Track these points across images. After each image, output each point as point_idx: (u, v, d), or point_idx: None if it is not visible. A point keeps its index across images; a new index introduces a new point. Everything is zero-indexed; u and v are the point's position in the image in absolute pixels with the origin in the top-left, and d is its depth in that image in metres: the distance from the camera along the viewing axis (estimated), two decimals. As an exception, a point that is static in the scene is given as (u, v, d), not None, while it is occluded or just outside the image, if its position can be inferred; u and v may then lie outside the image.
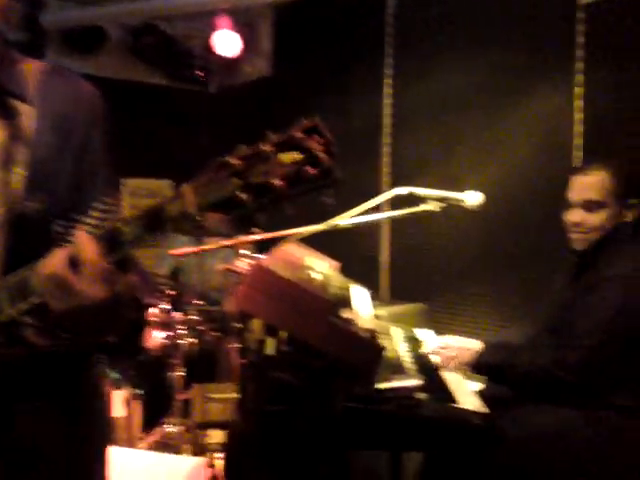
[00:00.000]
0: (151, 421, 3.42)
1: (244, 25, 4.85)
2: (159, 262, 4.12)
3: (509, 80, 3.38)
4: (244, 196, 0.89)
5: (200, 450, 3.08)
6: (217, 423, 3.09)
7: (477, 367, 2.06)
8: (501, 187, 3.39)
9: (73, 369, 1.17)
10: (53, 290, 0.95)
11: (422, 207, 1.83)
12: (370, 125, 4.14)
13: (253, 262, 1.55)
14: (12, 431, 1.09)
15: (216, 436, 3.12)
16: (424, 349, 2.31)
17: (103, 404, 1.32)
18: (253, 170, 0.89)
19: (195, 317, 3.16)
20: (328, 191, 0.90)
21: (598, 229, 2.02)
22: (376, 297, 3.92)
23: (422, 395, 1.67)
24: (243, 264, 1.65)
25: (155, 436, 3.32)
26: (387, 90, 4.07)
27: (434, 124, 3.77)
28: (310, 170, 0.87)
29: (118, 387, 3.18)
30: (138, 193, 4.80)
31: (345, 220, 1.78)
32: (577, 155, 3.07)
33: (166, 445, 3.27)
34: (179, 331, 3.13)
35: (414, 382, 1.64)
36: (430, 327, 2.89)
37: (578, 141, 3.07)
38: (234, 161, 0.90)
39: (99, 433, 1.25)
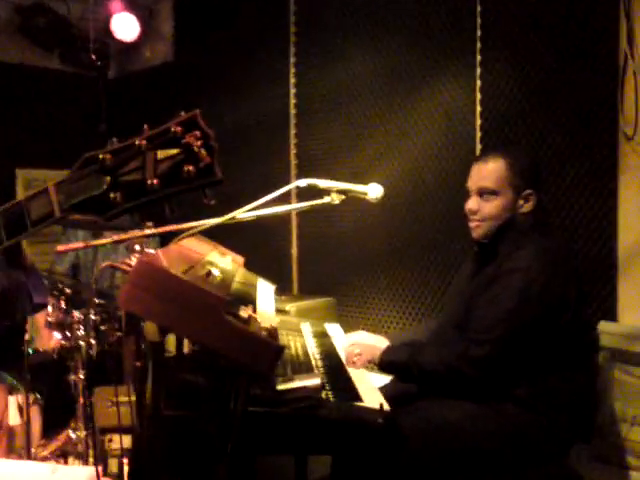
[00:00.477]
0: (52, 427, 3.24)
1: (143, 8, 4.65)
2: (58, 259, 3.90)
3: (413, 70, 3.37)
4: (114, 195, 0.80)
5: (104, 456, 2.93)
6: (121, 428, 2.95)
7: (383, 366, 2.05)
8: (405, 179, 3.41)
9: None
10: None
11: (324, 200, 1.78)
12: (278, 113, 4.03)
13: (139, 258, 1.45)
14: None
15: (120, 441, 2.98)
16: (332, 345, 2.29)
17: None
18: (124, 167, 0.81)
19: (94, 317, 3.00)
20: (208, 191, 0.82)
21: (493, 217, 2.03)
22: (286, 292, 3.90)
23: (323, 395, 1.63)
24: (132, 261, 1.54)
25: (57, 443, 3.14)
26: (292, 79, 3.98)
27: (339, 115, 3.72)
28: (188, 168, 0.80)
29: (12, 392, 2.98)
30: (33, 185, 4.54)
31: (245, 213, 1.69)
32: (479, 147, 3.12)
33: (69, 452, 3.11)
34: (79, 332, 2.96)
35: (315, 382, 1.58)
36: (339, 321, 2.87)
37: (479, 133, 3.11)
38: (103, 156, 0.81)
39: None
